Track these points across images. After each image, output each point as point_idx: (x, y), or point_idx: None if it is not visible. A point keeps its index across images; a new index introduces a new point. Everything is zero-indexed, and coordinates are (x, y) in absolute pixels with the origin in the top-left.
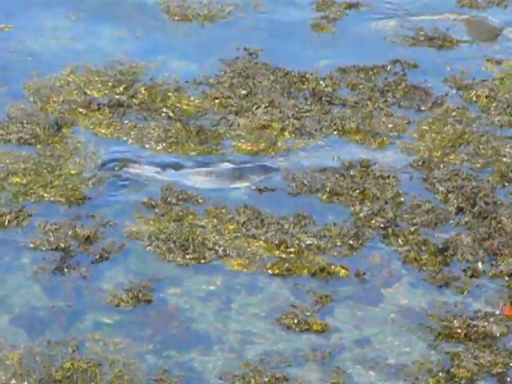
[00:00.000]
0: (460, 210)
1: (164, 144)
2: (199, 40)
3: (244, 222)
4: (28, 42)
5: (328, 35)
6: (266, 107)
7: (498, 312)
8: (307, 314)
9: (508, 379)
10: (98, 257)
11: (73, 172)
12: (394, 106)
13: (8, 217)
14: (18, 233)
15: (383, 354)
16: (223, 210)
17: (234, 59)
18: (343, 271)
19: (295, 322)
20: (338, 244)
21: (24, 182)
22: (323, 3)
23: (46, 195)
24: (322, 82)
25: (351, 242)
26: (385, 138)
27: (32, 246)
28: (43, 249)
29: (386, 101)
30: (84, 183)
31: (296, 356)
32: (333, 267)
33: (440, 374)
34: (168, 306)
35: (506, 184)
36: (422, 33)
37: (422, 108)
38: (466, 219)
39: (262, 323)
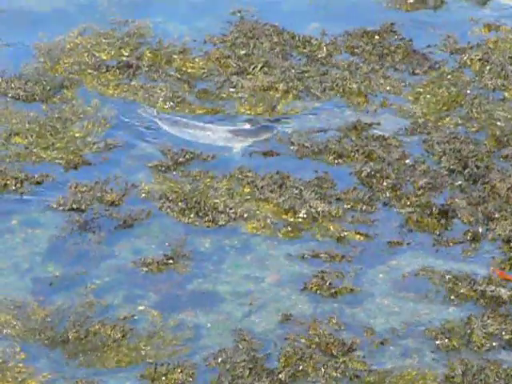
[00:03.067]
0: (452, 172)
1: (171, 103)
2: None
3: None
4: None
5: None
6: (261, 68)
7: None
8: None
9: None
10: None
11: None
12: (391, 69)
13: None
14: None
15: None
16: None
17: (240, 20)
18: None
19: None
20: None
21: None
22: None
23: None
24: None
25: None
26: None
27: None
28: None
29: (383, 64)
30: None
31: None
32: None
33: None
34: None
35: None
36: None
37: (417, 71)
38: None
39: None
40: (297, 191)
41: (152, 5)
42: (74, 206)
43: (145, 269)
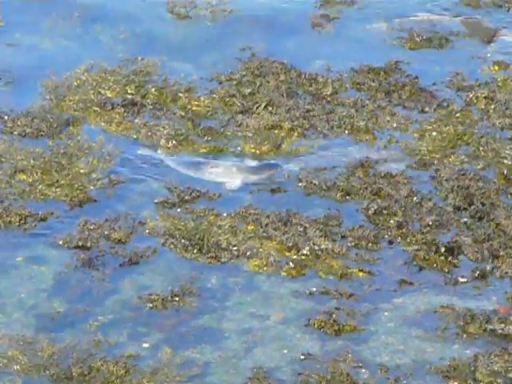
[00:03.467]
0: (458, 209)
1: (174, 141)
2: (204, 38)
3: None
4: (30, 40)
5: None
6: (265, 106)
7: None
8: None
9: None
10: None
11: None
12: (399, 107)
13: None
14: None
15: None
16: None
17: (251, 57)
18: None
19: None
20: None
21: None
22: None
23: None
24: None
25: None
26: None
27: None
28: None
29: (390, 101)
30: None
31: None
32: None
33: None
34: None
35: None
36: (418, 34)
37: (427, 109)
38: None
39: None
40: (301, 229)
41: (158, 42)
42: (80, 244)
43: (149, 305)
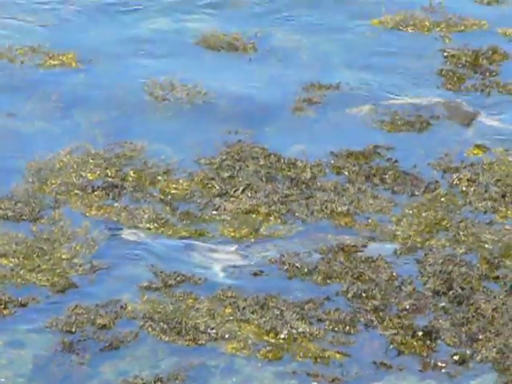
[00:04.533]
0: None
1: (155, 224)
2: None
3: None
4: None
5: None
6: (243, 190)
7: None
8: None
9: None
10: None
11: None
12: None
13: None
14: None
15: None
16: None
17: (236, 142)
18: None
19: None
20: None
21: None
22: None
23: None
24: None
25: None
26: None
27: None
28: None
29: (376, 185)
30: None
31: None
32: None
33: None
34: None
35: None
36: (399, 117)
37: (416, 193)
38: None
39: None
40: (278, 312)
41: (136, 126)
42: (65, 329)
43: None
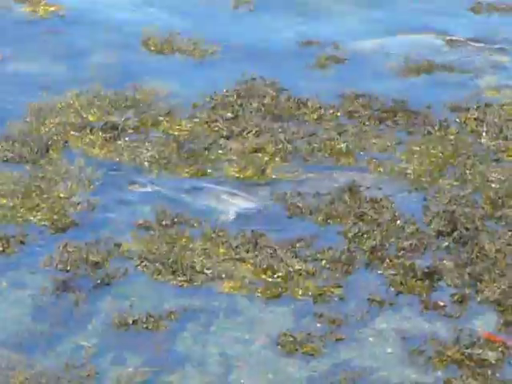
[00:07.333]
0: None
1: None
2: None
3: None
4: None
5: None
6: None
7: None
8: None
9: None
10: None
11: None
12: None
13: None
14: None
15: None
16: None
17: (251, 80)
18: None
19: None
20: None
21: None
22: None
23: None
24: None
25: None
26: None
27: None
28: None
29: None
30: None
31: None
32: None
33: None
34: None
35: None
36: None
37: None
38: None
39: None
40: (271, 251)
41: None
42: (60, 267)
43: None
